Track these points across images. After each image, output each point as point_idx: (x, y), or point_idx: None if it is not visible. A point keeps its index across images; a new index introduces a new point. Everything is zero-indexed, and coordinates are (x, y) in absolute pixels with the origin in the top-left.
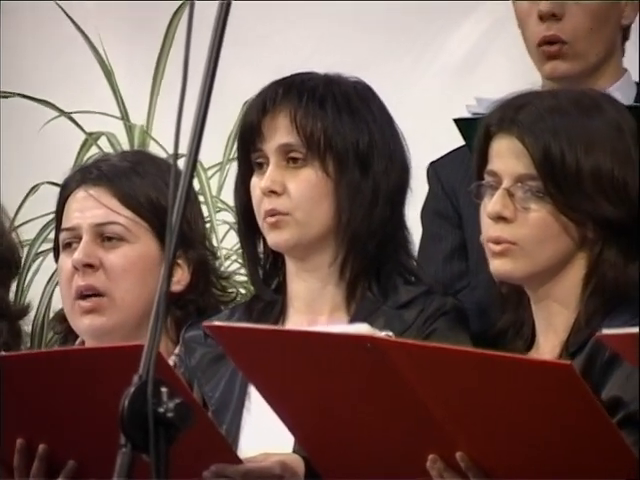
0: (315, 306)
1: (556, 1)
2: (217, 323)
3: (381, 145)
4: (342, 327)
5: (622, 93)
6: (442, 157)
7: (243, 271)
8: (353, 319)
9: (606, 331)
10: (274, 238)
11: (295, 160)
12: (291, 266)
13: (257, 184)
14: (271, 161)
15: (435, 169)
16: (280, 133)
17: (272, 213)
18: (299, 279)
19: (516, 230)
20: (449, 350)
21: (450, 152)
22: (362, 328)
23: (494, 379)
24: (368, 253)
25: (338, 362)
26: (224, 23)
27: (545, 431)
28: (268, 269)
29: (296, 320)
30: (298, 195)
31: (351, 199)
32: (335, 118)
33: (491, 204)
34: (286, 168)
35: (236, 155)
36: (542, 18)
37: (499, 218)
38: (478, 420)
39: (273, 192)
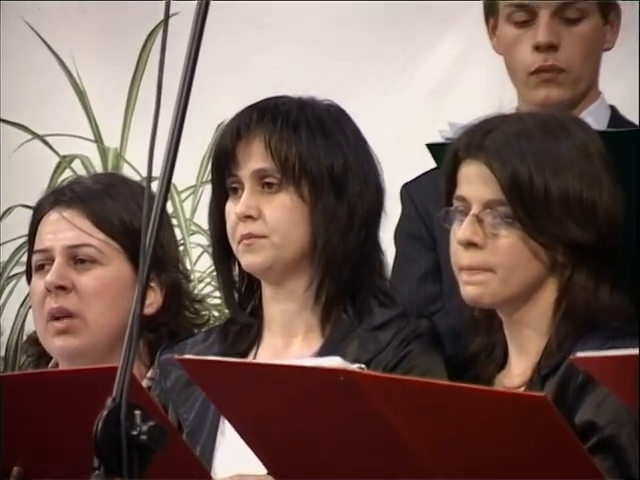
0: (290, 329)
1: (553, 31)
2: (188, 356)
3: (356, 168)
4: (315, 360)
5: (595, 117)
6: (415, 178)
7: (216, 294)
8: (327, 342)
9: (580, 354)
10: (248, 260)
11: (270, 185)
12: (266, 289)
13: (232, 209)
14: (246, 186)
15: (408, 190)
16: (255, 158)
17: (248, 237)
18: (274, 302)
19: (487, 256)
20: (422, 383)
21: (423, 174)
22: (335, 361)
23: (468, 411)
24: (343, 277)
25: (311, 395)
26: (203, 22)
27: (519, 462)
28: (243, 292)
29: (271, 343)
30: (274, 220)
31: (326, 223)
32: (309, 142)
33: (461, 230)
34: (261, 193)
35: (210, 178)
36: (538, 49)
37: (469, 244)
38: (452, 451)
39: (248, 217)
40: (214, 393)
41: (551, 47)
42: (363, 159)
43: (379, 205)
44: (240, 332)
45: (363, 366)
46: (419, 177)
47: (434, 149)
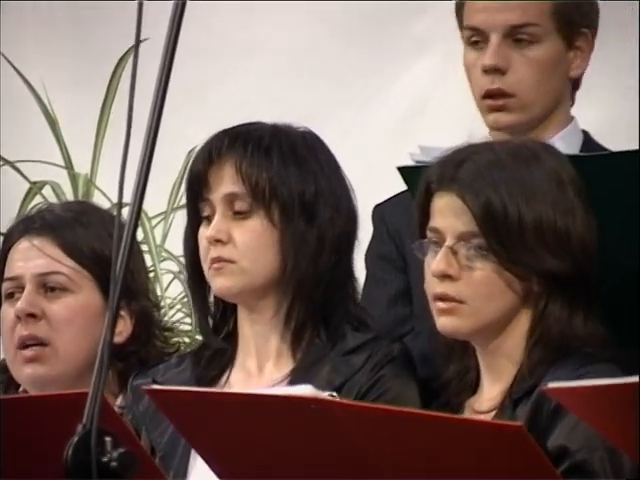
0: (263, 351)
1: (501, 54)
2: (157, 387)
3: (327, 194)
4: (286, 389)
5: (566, 142)
6: (387, 200)
7: (187, 320)
8: (299, 365)
9: (550, 385)
10: (218, 285)
11: (241, 210)
12: (241, 311)
13: (204, 234)
14: (217, 210)
15: (380, 212)
16: (225, 183)
17: (217, 261)
18: (248, 324)
19: (461, 288)
20: (395, 412)
21: (395, 195)
22: (306, 389)
23: (441, 440)
24: (314, 301)
25: (281, 423)
26: (174, 47)
27: None
28: (218, 317)
29: (245, 365)
30: (244, 245)
31: (296, 248)
32: (280, 168)
33: (435, 262)
34: (232, 218)
35: (180, 204)
36: (486, 72)
37: (444, 276)
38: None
39: (219, 241)
40: (182, 423)
41: (498, 70)
42: (335, 185)
43: (351, 231)
44: (213, 356)
45: (334, 394)
46: (391, 198)
47: (405, 172)
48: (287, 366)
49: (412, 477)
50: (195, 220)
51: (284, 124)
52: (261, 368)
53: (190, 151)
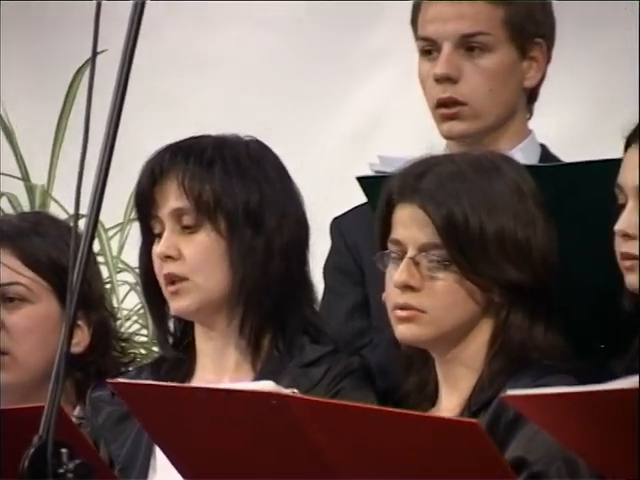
0: (220, 365)
1: (452, 63)
2: (121, 380)
3: (273, 202)
4: (247, 384)
5: (525, 154)
6: (346, 213)
7: (144, 332)
8: (258, 378)
9: (510, 392)
10: (176, 306)
11: (188, 224)
12: (197, 328)
13: (155, 250)
14: (166, 227)
15: (338, 224)
16: (170, 198)
17: (170, 279)
18: (205, 338)
19: (423, 299)
20: (355, 407)
21: (354, 208)
22: (267, 385)
23: (398, 436)
24: (265, 310)
25: (243, 419)
26: (131, 58)
27: None
28: (176, 331)
29: (203, 378)
30: (194, 259)
31: (244, 257)
32: (223, 179)
33: (397, 274)
34: (181, 233)
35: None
36: (438, 81)
37: (406, 287)
38: (378, 474)
39: (169, 257)
40: (146, 417)
41: (449, 79)
42: (281, 192)
43: (301, 237)
44: (172, 368)
45: (296, 390)
46: (349, 212)
47: (364, 182)
48: (247, 378)
49: (371, 472)
50: (148, 238)
51: (229, 135)
52: (220, 381)
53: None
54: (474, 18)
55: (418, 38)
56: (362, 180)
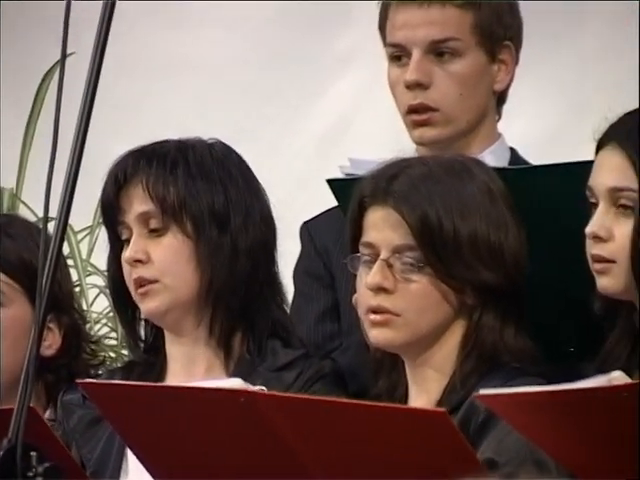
0: (191, 368)
1: (422, 69)
2: (91, 380)
3: (237, 202)
4: (216, 382)
5: (495, 157)
6: (316, 217)
7: (113, 335)
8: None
9: (484, 391)
10: (146, 307)
11: (155, 227)
12: (167, 335)
13: (124, 255)
14: (133, 231)
15: (308, 228)
16: (136, 203)
17: (140, 282)
18: (175, 342)
19: (397, 301)
20: (323, 401)
21: (324, 212)
22: (236, 382)
23: (368, 428)
24: (233, 310)
25: (213, 417)
26: (100, 61)
27: (417, 475)
28: (147, 336)
29: (173, 382)
30: (162, 262)
31: (211, 258)
32: (187, 181)
33: (370, 276)
34: (148, 237)
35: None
36: (409, 87)
37: (379, 289)
38: (349, 467)
39: (138, 261)
40: (117, 418)
41: (420, 85)
42: (246, 193)
43: (267, 237)
44: (143, 372)
45: (264, 388)
46: (319, 216)
47: (334, 185)
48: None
49: (340, 464)
50: (116, 244)
51: (192, 138)
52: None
53: None
54: (443, 24)
55: (387, 44)
56: (332, 183)
